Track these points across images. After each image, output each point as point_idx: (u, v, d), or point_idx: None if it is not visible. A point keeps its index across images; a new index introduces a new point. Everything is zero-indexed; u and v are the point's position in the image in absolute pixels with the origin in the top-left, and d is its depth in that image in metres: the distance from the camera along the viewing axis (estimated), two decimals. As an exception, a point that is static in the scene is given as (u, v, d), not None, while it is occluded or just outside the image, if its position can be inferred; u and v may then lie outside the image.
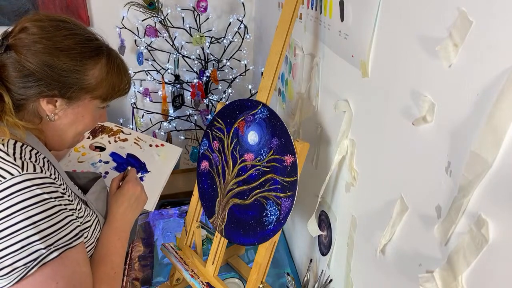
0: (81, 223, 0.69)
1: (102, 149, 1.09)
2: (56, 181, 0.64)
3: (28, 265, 0.58)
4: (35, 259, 0.59)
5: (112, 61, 0.73)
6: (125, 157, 1.08)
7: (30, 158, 0.62)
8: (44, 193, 0.60)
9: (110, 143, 1.09)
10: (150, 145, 1.13)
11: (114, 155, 1.08)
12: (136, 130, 1.55)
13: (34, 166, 0.62)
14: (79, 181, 0.81)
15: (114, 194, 0.85)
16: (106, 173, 1.02)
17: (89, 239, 0.72)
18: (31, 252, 0.58)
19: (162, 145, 1.14)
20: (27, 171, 0.60)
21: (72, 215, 0.65)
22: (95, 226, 0.75)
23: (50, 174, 0.63)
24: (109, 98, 0.75)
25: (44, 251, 0.59)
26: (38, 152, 0.65)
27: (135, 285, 1.16)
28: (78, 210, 0.69)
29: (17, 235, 0.57)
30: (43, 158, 0.65)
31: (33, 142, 0.67)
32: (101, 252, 0.76)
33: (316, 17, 0.93)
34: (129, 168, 0.92)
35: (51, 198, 0.61)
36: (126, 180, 0.87)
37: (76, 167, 1.02)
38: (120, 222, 0.81)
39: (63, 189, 0.65)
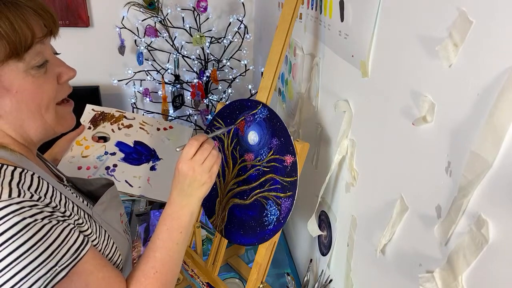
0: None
1: (106, 139, 1.00)
2: (41, 200, 0.55)
3: None
4: (42, 285, 0.52)
5: None
6: (132, 145, 0.99)
7: (10, 182, 0.53)
8: (24, 218, 0.51)
9: (113, 131, 0.99)
10: (158, 129, 1.04)
11: (120, 145, 0.99)
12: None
13: (10, 190, 0.52)
14: (91, 188, 0.74)
15: (191, 159, 0.71)
16: (115, 166, 0.94)
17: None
18: (34, 281, 0.51)
19: (170, 127, 1.05)
20: (0, 198, 0.51)
21: (68, 225, 0.58)
22: (101, 241, 0.66)
23: (31, 196, 0.54)
24: (22, 50, 0.55)
25: (48, 275, 0.53)
26: (23, 170, 0.56)
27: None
28: (80, 224, 0.61)
29: (11, 269, 0.50)
30: (32, 175, 0.56)
31: (11, 158, 0.57)
32: (148, 246, 0.68)
33: (316, 17, 0.93)
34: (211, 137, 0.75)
35: (36, 220, 0.53)
36: (211, 155, 0.72)
37: (81, 163, 0.94)
38: (175, 207, 0.70)
39: (53, 207, 0.57)
